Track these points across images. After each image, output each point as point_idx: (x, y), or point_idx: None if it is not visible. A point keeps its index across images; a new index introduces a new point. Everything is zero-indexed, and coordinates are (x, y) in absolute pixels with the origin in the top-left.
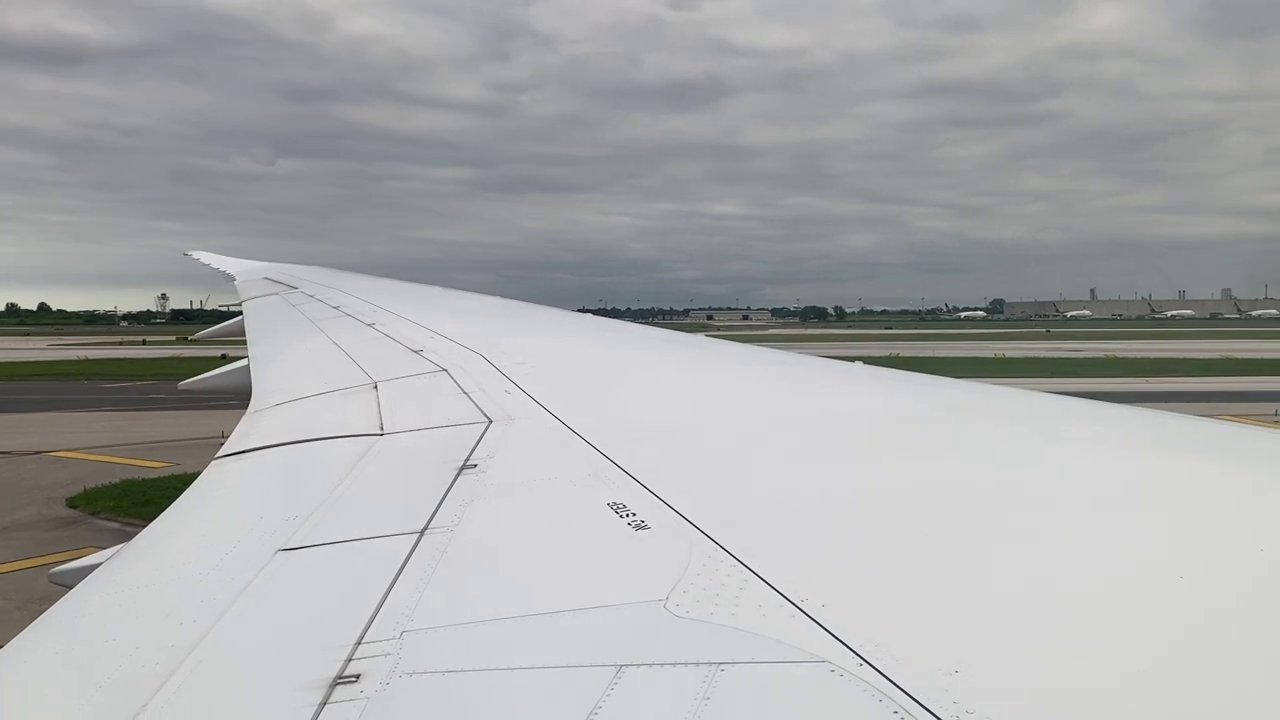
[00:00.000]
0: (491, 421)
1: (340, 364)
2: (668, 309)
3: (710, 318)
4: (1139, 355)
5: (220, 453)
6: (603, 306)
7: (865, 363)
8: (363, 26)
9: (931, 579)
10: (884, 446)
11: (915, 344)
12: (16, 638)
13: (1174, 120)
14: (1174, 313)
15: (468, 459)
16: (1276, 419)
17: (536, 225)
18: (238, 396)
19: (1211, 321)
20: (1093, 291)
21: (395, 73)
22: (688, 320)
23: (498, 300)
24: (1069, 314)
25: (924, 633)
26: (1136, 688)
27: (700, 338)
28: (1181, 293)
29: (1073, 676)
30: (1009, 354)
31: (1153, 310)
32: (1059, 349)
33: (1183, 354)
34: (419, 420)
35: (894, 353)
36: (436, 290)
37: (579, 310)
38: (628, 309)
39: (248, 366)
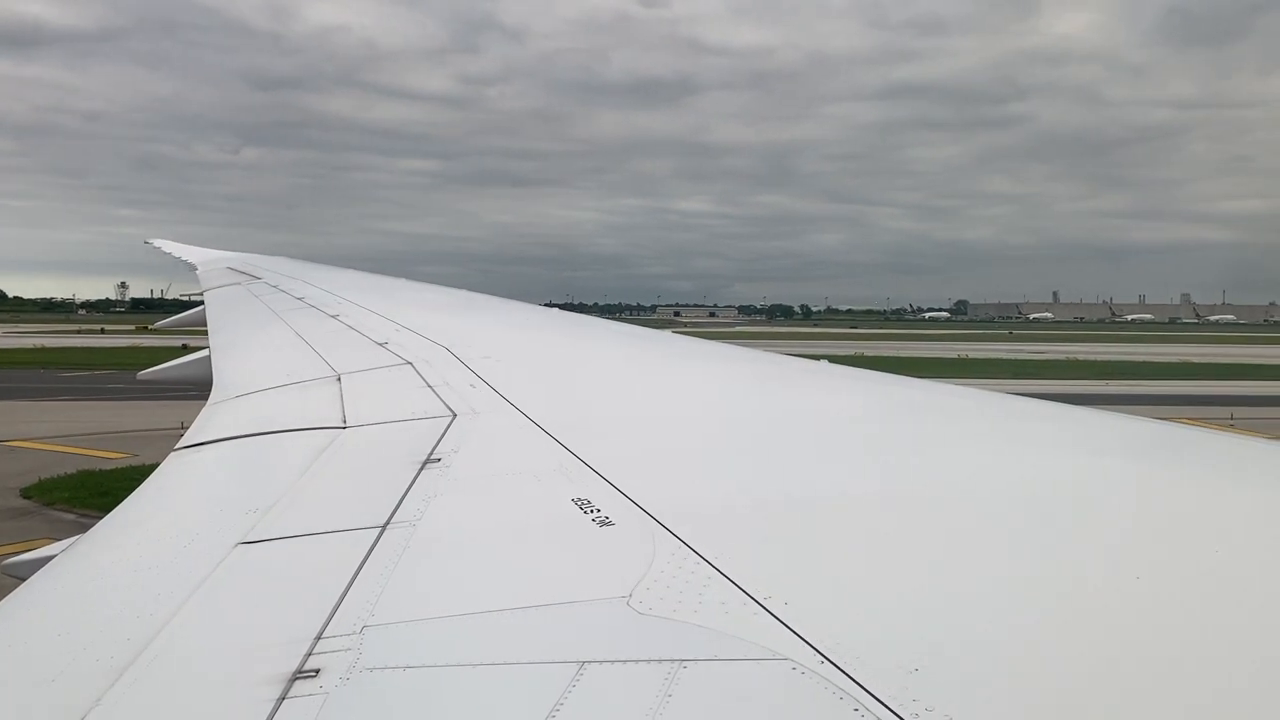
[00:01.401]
0: (456, 415)
1: (303, 356)
2: (635, 305)
3: (677, 314)
4: (1099, 358)
5: (180, 444)
6: (570, 301)
7: (830, 361)
8: (330, 16)
9: (894, 578)
10: (848, 445)
11: (880, 343)
12: None
13: (1137, 127)
14: (1134, 317)
15: (431, 453)
16: (1231, 423)
17: (503, 219)
18: (198, 388)
19: (1170, 326)
20: (1055, 294)
21: (363, 63)
22: (654, 316)
23: (464, 293)
24: (1031, 316)
25: (885, 631)
26: (1095, 686)
27: (667, 334)
28: (1141, 297)
29: (1031, 675)
30: (972, 355)
31: (1113, 314)
32: (1021, 350)
33: (1142, 357)
34: (383, 413)
35: (859, 352)
36: (402, 283)
37: (546, 305)
38: (595, 304)
39: (209, 357)
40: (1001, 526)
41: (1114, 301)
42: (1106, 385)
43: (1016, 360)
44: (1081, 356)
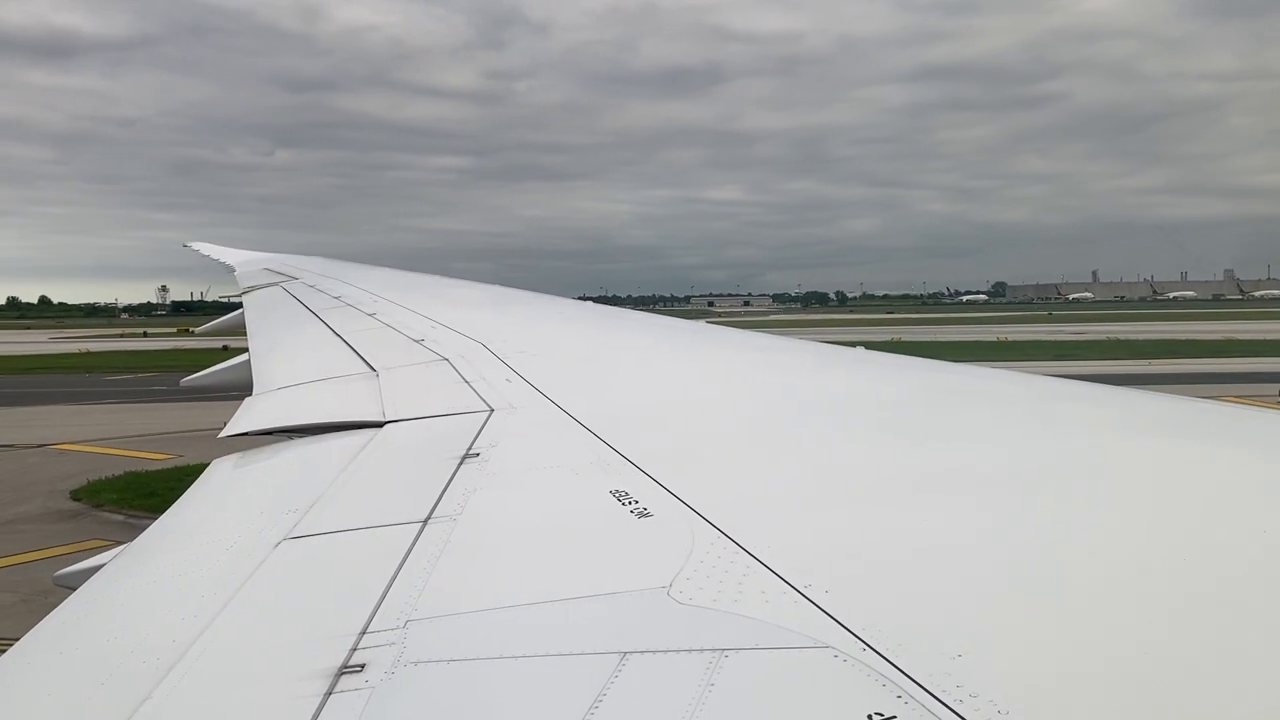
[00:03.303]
0: (493, 410)
1: (341, 354)
2: (668, 296)
3: (711, 304)
4: (1141, 337)
5: (222, 433)
6: (603, 294)
7: (867, 348)
8: (358, 16)
9: (935, 564)
10: (886, 431)
11: (917, 328)
12: (23, 639)
13: (1174, 101)
14: (1176, 294)
15: (470, 448)
16: (1279, 400)
17: (536, 213)
18: (241, 391)
19: (1214, 303)
20: (1095, 274)
21: (391, 62)
22: (688, 307)
23: (498, 289)
24: (1071, 296)
25: (928, 617)
26: (1142, 671)
27: (701, 324)
28: (1184, 274)
29: (1077, 660)
30: (1011, 337)
31: (1155, 292)
32: (1061, 332)
33: (1185, 335)
34: (421, 409)
35: (896, 337)
36: (437, 279)
37: (579, 298)
38: (628, 296)
39: (249, 362)
40: (1044, 511)
41: (1155, 280)
42: (1150, 365)
43: (1057, 342)
44: (1123, 336)
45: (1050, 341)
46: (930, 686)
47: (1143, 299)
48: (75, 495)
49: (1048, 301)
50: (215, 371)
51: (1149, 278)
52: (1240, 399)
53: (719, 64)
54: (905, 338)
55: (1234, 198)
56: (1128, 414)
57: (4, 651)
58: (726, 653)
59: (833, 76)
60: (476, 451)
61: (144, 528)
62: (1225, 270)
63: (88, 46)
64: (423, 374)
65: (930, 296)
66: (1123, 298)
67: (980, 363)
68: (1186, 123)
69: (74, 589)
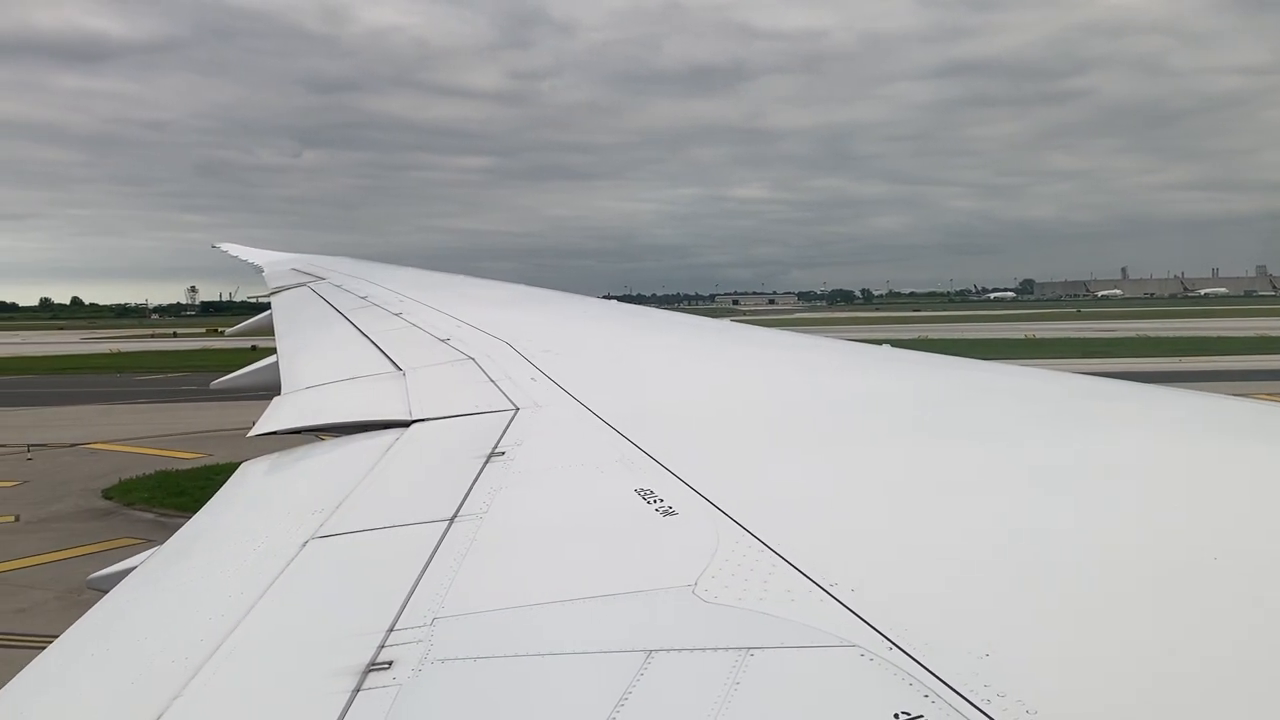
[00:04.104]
0: (519, 409)
1: (368, 353)
2: (693, 294)
3: (736, 302)
4: (1172, 334)
5: (250, 433)
6: (628, 293)
7: (893, 346)
8: (382, 17)
9: (963, 563)
10: (911, 430)
11: (944, 326)
12: (57, 640)
13: (1204, 96)
14: (1207, 291)
15: (496, 446)
16: None
17: (561, 213)
18: (269, 392)
19: (1246, 299)
20: (1124, 270)
21: (416, 63)
22: (713, 305)
23: (523, 288)
24: (1100, 293)
25: (955, 616)
26: (1173, 673)
27: (726, 323)
28: (1215, 270)
29: (1106, 660)
30: (1039, 335)
31: (1185, 289)
32: (1090, 329)
33: (1217, 332)
34: (447, 408)
35: (922, 335)
36: (462, 279)
37: (604, 297)
38: (653, 295)
39: (277, 364)
40: (1073, 510)
41: (1186, 276)
42: (1181, 362)
43: (1086, 339)
44: (1153, 333)
45: (1079, 339)
46: (958, 686)
47: (1173, 295)
48: (107, 494)
49: (1076, 299)
50: (244, 374)
51: (1179, 274)
52: (1275, 396)
53: (743, 62)
54: (932, 336)
55: (1266, 193)
56: (1159, 412)
57: (39, 648)
58: (752, 651)
59: (858, 73)
60: (502, 450)
61: (174, 525)
62: (1257, 266)
63: (117, 50)
64: (449, 373)
65: (957, 294)
66: (1152, 294)
67: (1008, 361)
68: (1216, 118)
69: (106, 592)
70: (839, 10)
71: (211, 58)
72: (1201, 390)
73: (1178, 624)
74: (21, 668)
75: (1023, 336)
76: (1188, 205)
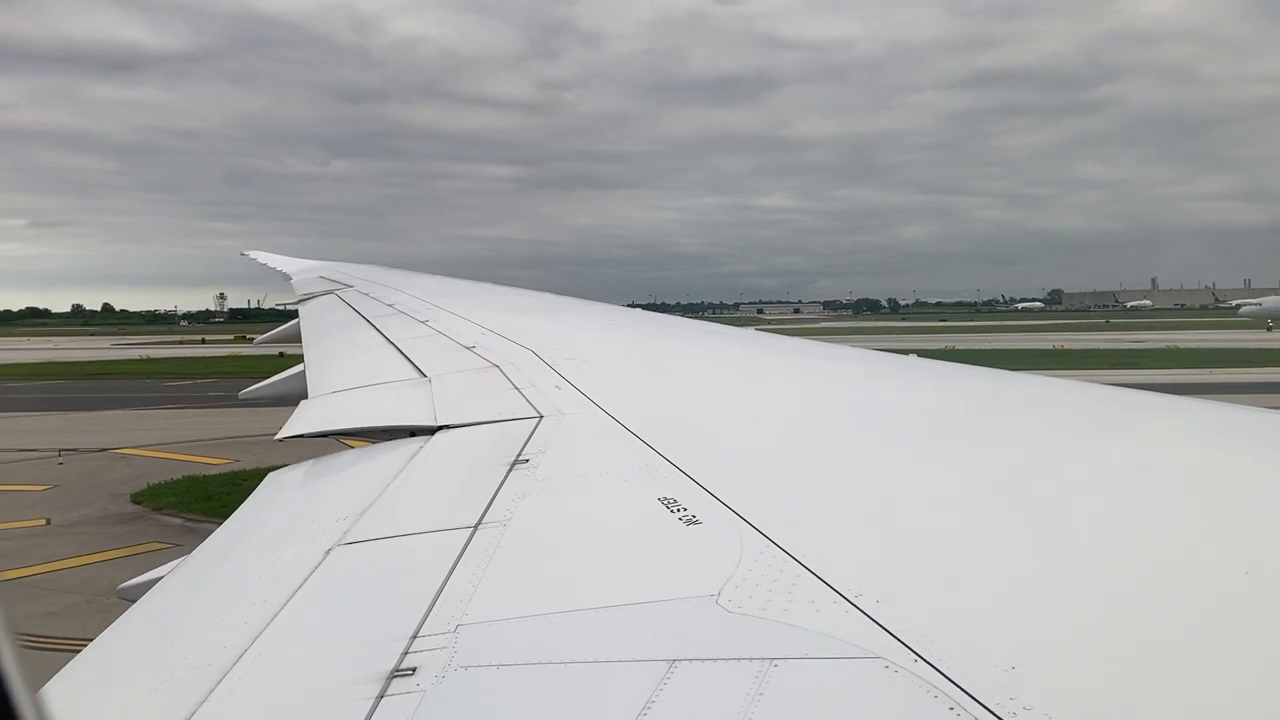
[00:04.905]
0: (543, 416)
1: (395, 360)
2: (718, 303)
3: (761, 311)
4: (1203, 346)
5: (278, 435)
6: (653, 301)
7: (920, 356)
8: (411, 27)
9: (988, 574)
10: (937, 440)
11: (971, 336)
12: (85, 650)
13: (1236, 105)
14: (1238, 302)
15: (520, 454)
16: None
17: (586, 221)
18: (297, 400)
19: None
20: (1154, 281)
21: (444, 73)
22: (738, 314)
23: (548, 296)
24: (1129, 304)
25: (981, 629)
26: (1203, 688)
27: (750, 331)
28: (1247, 281)
29: (1134, 675)
30: (1067, 345)
31: (1217, 300)
32: (1119, 340)
33: (1250, 344)
34: (471, 415)
35: (950, 345)
36: (488, 287)
37: (629, 305)
38: (677, 303)
39: (304, 373)
40: (1098, 521)
41: (1217, 287)
42: (1212, 374)
43: (1115, 350)
44: (1184, 345)
45: (1108, 350)
46: (983, 698)
47: (1204, 306)
48: (136, 498)
49: (1105, 309)
50: (272, 383)
51: (1210, 285)
52: None
53: (768, 71)
54: (959, 346)
55: None
56: (1191, 424)
57: (69, 651)
58: (776, 662)
59: (884, 83)
60: (526, 457)
61: (201, 530)
62: None
63: (150, 60)
64: (474, 380)
65: (985, 304)
66: (1183, 305)
67: (1036, 372)
68: (1249, 126)
69: (135, 601)
70: (866, 20)
71: (242, 68)
72: (1234, 403)
73: (1209, 639)
74: (53, 670)
75: (1050, 347)
76: (1219, 215)
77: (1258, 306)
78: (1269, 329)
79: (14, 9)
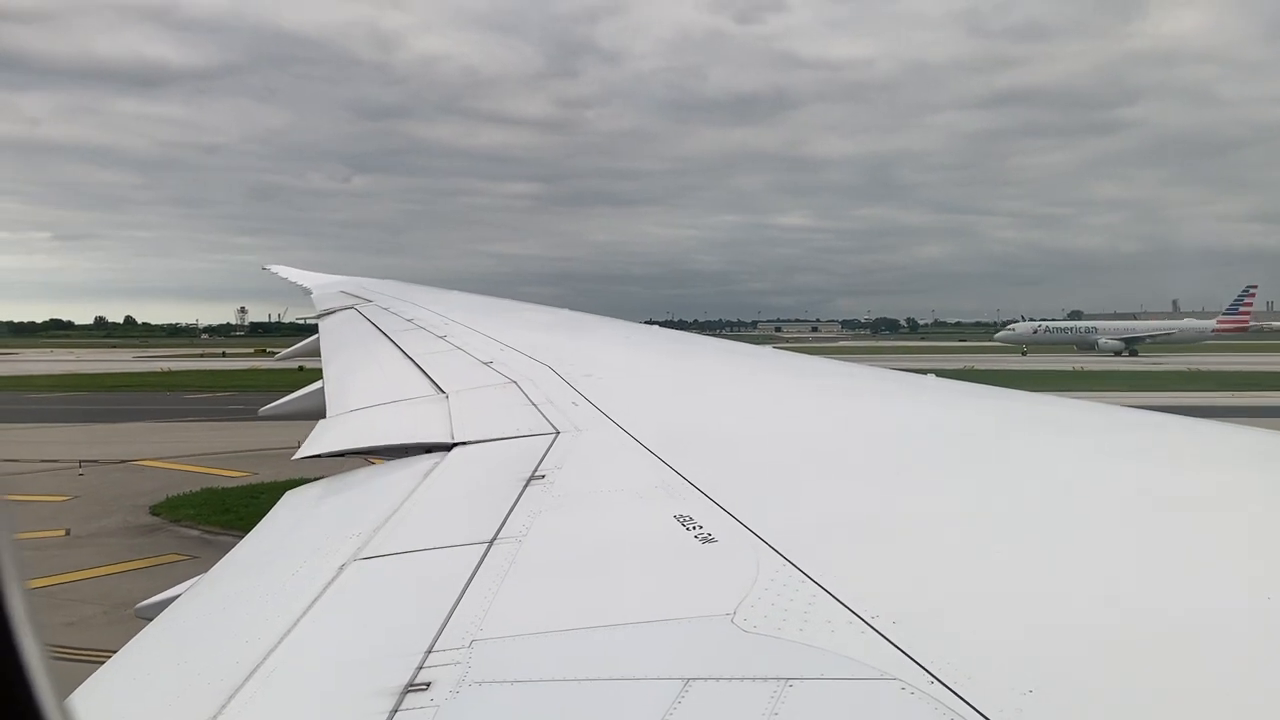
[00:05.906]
0: (559, 433)
1: (412, 376)
2: (735, 321)
3: (779, 330)
4: (1224, 368)
5: (296, 455)
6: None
7: (938, 375)
8: (433, 45)
9: (1006, 597)
10: (956, 461)
11: (990, 357)
12: (102, 667)
13: (1258, 126)
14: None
15: (536, 470)
16: None
17: (604, 238)
18: (316, 416)
19: None
20: (1175, 303)
21: (465, 90)
22: (755, 332)
23: (566, 313)
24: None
25: (998, 651)
26: (1221, 713)
27: (768, 350)
28: (1270, 304)
29: (1153, 701)
30: (1087, 367)
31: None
32: (1139, 362)
33: (1273, 367)
34: (488, 431)
35: (969, 366)
36: (506, 303)
37: (646, 322)
38: (695, 321)
39: (322, 390)
40: (1119, 544)
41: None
42: (1234, 397)
43: (1135, 371)
44: (1205, 367)
45: (1128, 371)
46: None
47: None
48: (155, 510)
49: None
50: (291, 400)
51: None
52: None
53: (788, 90)
54: (978, 366)
55: None
56: (1213, 447)
57: (88, 662)
58: (791, 682)
59: (903, 102)
60: (542, 474)
61: (219, 542)
62: None
63: (175, 76)
64: (491, 396)
65: (1003, 324)
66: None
67: (1056, 393)
68: (1271, 148)
69: (152, 620)
70: (885, 40)
71: (266, 84)
72: (1256, 426)
73: (1231, 665)
74: (73, 682)
75: (1071, 368)
76: (1241, 237)
77: (1011, 332)
78: (1024, 354)
79: (44, 27)
